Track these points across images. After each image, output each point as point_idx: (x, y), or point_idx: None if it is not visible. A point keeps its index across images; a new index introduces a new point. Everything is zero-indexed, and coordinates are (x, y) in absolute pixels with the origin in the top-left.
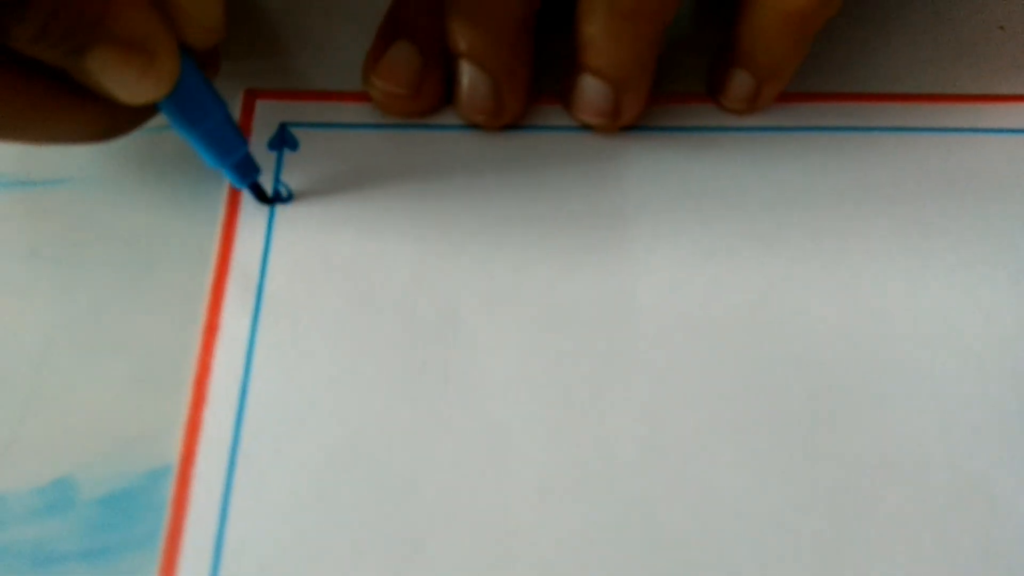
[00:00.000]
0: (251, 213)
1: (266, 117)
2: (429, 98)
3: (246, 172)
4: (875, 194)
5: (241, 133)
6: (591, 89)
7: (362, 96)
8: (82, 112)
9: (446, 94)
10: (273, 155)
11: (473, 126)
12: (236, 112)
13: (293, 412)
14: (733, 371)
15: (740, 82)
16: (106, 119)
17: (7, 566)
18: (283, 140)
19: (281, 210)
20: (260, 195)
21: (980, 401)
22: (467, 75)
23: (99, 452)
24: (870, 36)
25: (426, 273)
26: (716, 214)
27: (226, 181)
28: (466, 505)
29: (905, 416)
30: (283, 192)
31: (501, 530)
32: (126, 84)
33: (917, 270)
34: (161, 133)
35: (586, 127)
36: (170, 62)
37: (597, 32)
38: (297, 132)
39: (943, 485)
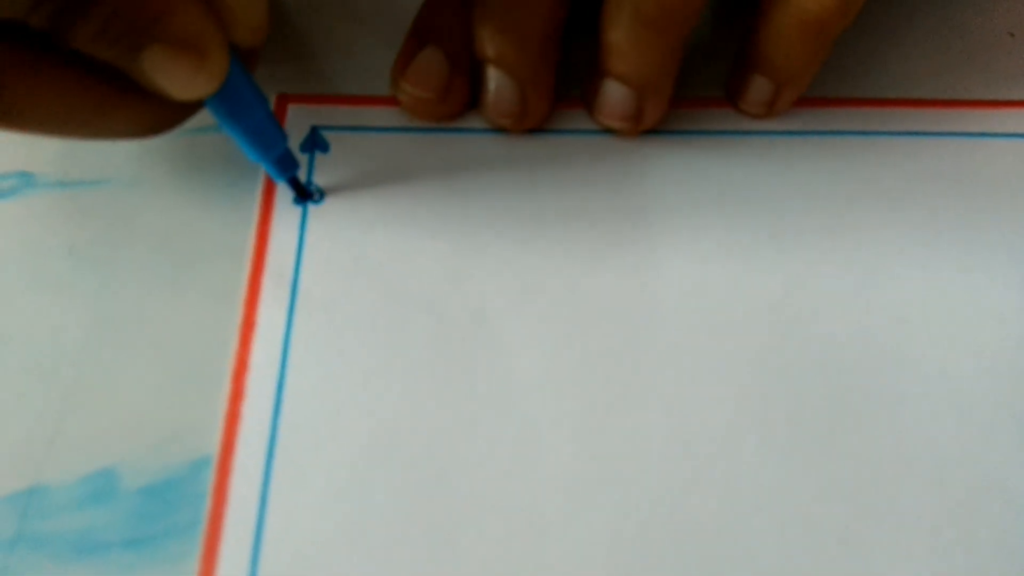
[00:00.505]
0: (284, 213)
1: (298, 121)
2: (456, 102)
3: (286, 166)
4: (889, 196)
5: (281, 129)
6: (614, 94)
7: (390, 100)
8: (133, 108)
9: (472, 98)
10: (305, 157)
11: (499, 129)
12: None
13: (329, 406)
14: (754, 368)
15: (759, 87)
16: (155, 115)
17: (53, 554)
18: (314, 143)
19: (313, 210)
20: (298, 189)
21: (995, 400)
22: (494, 80)
23: (141, 444)
24: (883, 44)
25: (454, 271)
26: (736, 214)
27: (259, 183)
28: (496, 499)
29: (921, 414)
30: (315, 193)
31: (531, 524)
32: (178, 81)
33: (932, 271)
34: (196, 136)
35: (609, 131)
36: (220, 60)
37: (621, 39)
38: (328, 135)
39: (959, 482)
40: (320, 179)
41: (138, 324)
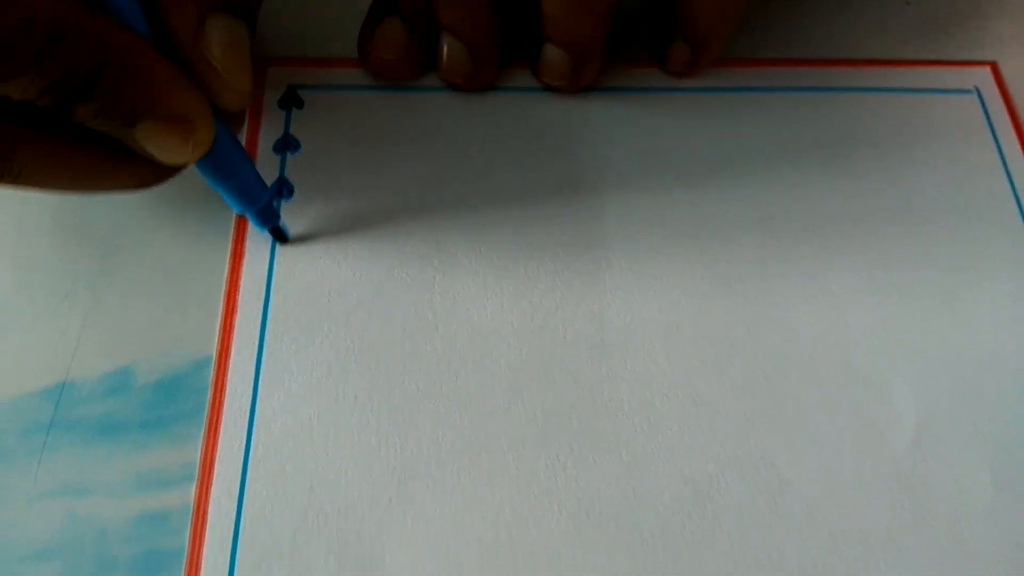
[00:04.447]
0: (266, 159)
1: (276, 80)
2: (414, 65)
3: (267, 218)
4: (788, 143)
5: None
6: (553, 56)
7: (358, 63)
8: (126, 170)
9: (430, 61)
10: (282, 113)
11: (453, 88)
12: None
13: (309, 316)
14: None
15: (679, 51)
16: (146, 174)
17: (81, 435)
18: (291, 100)
19: (292, 159)
20: (279, 237)
21: (874, 311)
22: (447, 44)
23: (151, 349)
24: (792, 10)
25: (413, 210)
26: (659, 158)
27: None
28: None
29: (801, 321)
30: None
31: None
32: (168, 150)
33: (820, 201)
34: None
35: (550, 88)
36: (206, 130)
37: (556, 9)
38: (302, 93)
39: (840, 380)
40: (296, 131)
41: (144, 255)
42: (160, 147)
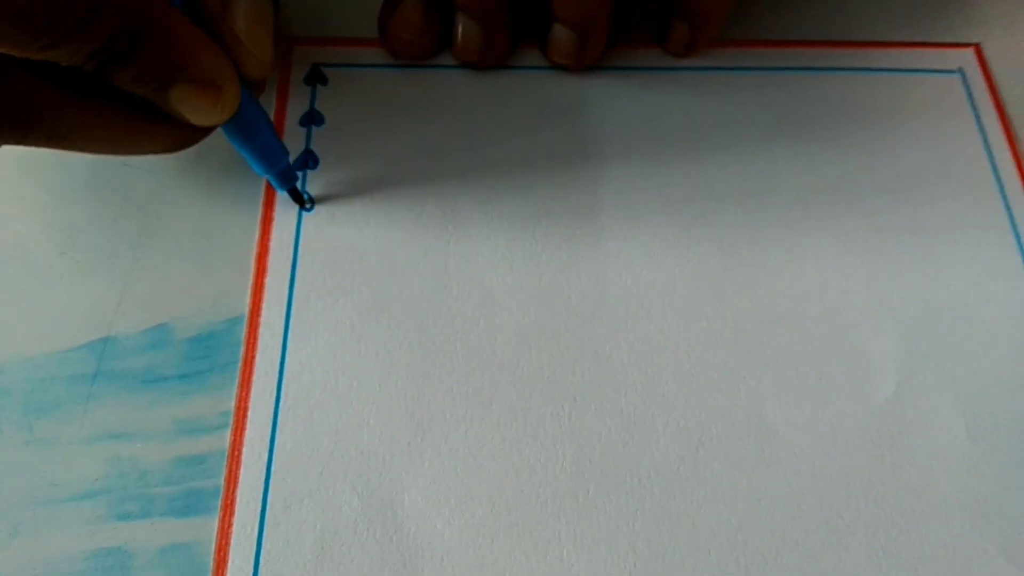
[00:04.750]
0: (293, 132)
1: (301, 59)
2: (431, 44)
3: (287, 179)
4: (784, 119)
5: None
6: (561, 35)
7: (378, 43)
8: (161, 131)
9: (445, 41)
10: (307, 89)
11: (467, 66)
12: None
13: (334, 277)
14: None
15: (679, 32)
16: (179, 136)
17: (125, 385)
18: (315, 77)
19: (317, 132)
20: (297, 198)
21: (858, 273)
22: (462, 24)
23: (189, 306)
24: None
25: (429, 180)
26: (658, 133)
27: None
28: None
29: (789, 283)
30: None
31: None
32: (199, 112)
33: (810, 171)
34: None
35: (557, 67)
36: (233, 94)
37: None
38: (326, 71)
39: (825, 337)
40: (321, 106)
41: (181, 220)
42: (192, 109)
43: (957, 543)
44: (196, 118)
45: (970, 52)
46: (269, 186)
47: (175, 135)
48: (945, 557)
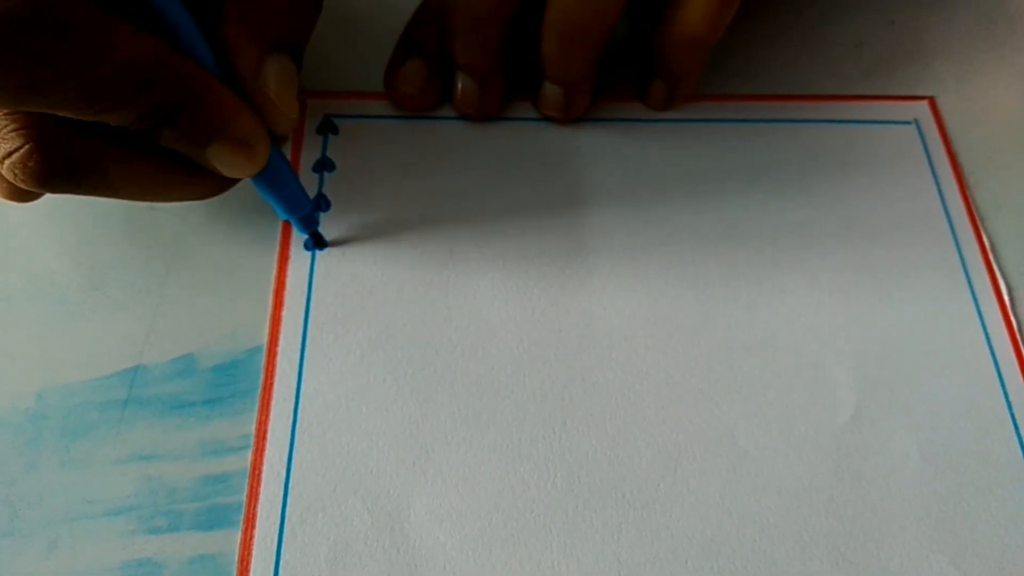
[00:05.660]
0: (306, 177)
1: (314, 110)
2: (432, 98)
3: (308, 223)
4: (755, 167)
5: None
6: (550, 91)
7: (384, 96)
8: (196, 182)
9: (446, 95)
10: (319, 139)
11: (466, 118)
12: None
13: (345, 311)
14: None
15: (657, 88)
16: (212, 186)
17: (154, 410)
18: (327, 127)
19: (329, 178)
20: (318, 242)
21: (821, 309)
22: (462, 81)
23: (212, 338)
24: (758, 53)
25: (431, 221)
26: (640, 179)
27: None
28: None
29: (759, 317)
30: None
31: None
32: (233, 166)
33: (782, 216)
34: None
35: (547, 119)
36: (263, 151)
37: (552, 51)
38: (337, 121)
39: (790, 366)
40: (332, 153)
41: (205, 258)
42: (227, 164)
43: (910, 553)
44: (230, 172)
45: (924, 104)
46: (286, 227)
47: (208, 185)
48: (900, 566)
